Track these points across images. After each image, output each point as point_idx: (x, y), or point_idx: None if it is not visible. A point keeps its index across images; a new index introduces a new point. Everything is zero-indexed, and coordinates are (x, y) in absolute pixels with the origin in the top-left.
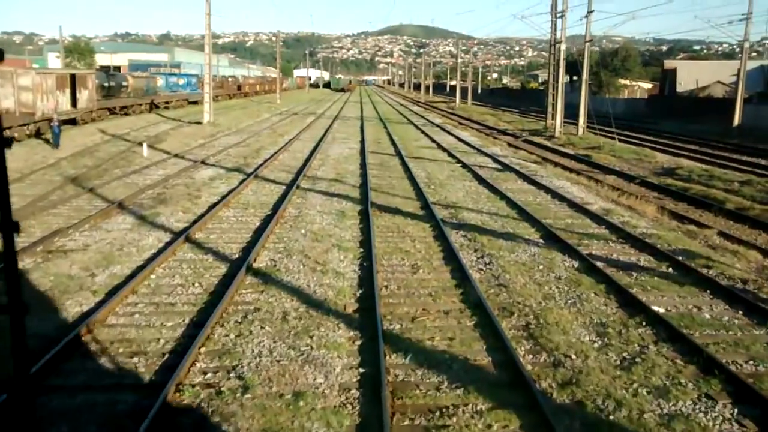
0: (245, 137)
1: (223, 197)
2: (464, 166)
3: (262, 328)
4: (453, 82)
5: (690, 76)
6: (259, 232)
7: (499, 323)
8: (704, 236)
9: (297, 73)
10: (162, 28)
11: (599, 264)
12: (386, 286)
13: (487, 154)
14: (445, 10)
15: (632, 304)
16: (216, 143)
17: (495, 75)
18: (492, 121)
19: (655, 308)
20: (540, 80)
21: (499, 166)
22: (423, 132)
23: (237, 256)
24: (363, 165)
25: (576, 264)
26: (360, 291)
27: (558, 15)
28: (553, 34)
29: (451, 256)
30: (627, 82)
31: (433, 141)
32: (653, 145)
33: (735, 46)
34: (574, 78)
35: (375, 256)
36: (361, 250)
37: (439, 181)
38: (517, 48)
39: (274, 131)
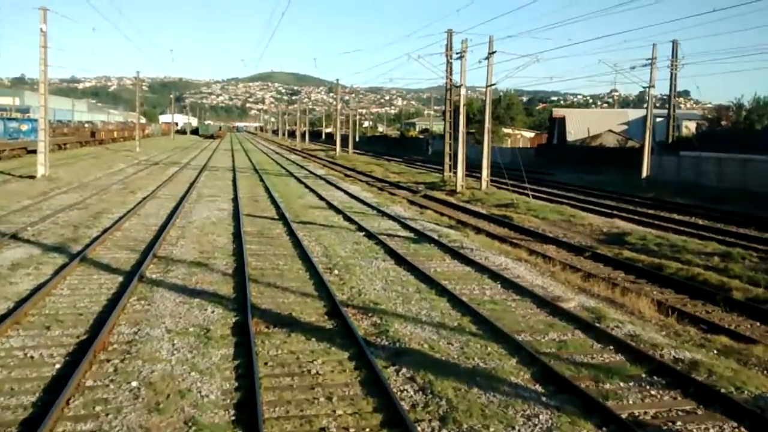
0: (87, 195)
1: (17, 305)
2: (369, 235)
3: None
4: (328, 130)
5: (580, 125)
6: (51, 391)
7: None
8: (756, 358)
9: (163, 118)
10: (16, 72)
11: None
12: None
13: (389, 216)
14: (317, 57)
15: None
16: (45, 205)
17: (367, 123)
18: (380, 173)
19: None
20: (417, 128)
21: (412, 234)
22: (307, 186)
23: None
24: (237, 235)
25: None
26: None
27: (457, 56)
28: (449, 76)
29: None
30: (510, 130)
31: (321, 198)
32: (570, 202)
33: (588, 98)
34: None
35: None
36: None
37: (342, 260)
38: (387, 97)
39: (126, 187)
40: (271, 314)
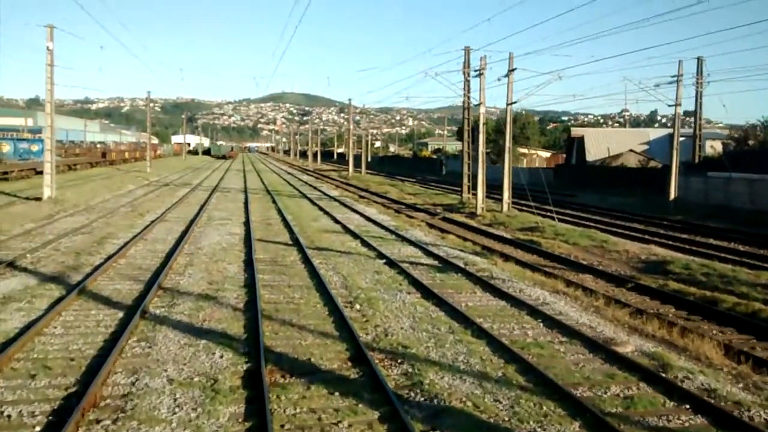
0: (93, 218)
1: (1, 347)
2: (390, 263)
3: None
4: (340, 150)
5: (599, 145)
6: None
7: None
8: None
9: (175, 139)
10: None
11: None
12: None
13: (409, 241)
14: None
15: None
16: (49, 229)
17: (378, 143)
18: (395, 194)
19: None
20: (430, 148)
21: (436, 262)
22: (321, 208)
23: None
24: (249, 263)
25: None
26: None
27: (475, 73)
28: (467, 94)
29: None
30: (526, 150)
31: (337, 221)
32: (598, 226)
33: (599, 117)
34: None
35: None
36: None
37: (363, 292)
38: (398, 117)
39: (134, 209)
40: (287, 359)
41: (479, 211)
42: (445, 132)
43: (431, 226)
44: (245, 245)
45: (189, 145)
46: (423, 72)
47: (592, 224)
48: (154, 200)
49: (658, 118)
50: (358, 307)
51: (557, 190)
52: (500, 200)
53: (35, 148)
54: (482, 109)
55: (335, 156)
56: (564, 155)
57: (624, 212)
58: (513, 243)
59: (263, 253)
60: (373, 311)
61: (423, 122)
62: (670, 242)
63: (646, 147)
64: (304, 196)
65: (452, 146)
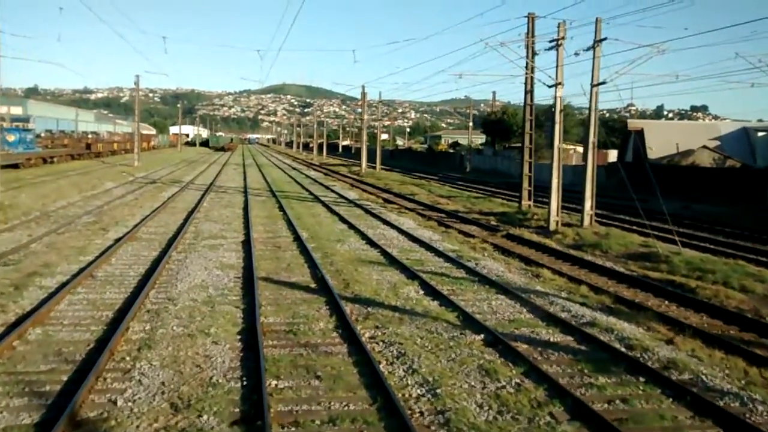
0: (38, 234)
1: None
2: (491, 340)
3: None
4: (345, 142)
5: (663, 140)
6: None
7: None
8: None
9: (173, 130)
10: (30, 82)
11: None
12: None
13: (490, 282)
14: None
15: None
16: None
17: (386, 135)
18: (425, 197)
19: None
20: (443, 141)
21: (571, 339)
22: (341, 218)
23: None
24: (249, 342)
25: None
26: None
27: (554, 44)
28: (529, 72)
29: None
30: (564, 145)
31: (369, 241)
32: (741, 253)
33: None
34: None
35: None
36: None
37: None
38: (400, 110)
39: (98, 219)
40: None
41: (553, 226)
42: (470, 124)
43: (504, 251)
44: (243, 292)
45: (187, 136)
46: (483, 42)
47: (724, 249)
48: (130, 205)
49: (665, 113)
50: None
51: (614, 193)
52: (576, 210)
53: (12, 138)
54: (559, 92)
55: (340, 149)
56: (609, 151)
57: (740, 228)
58: (643, 285)
59: (273, 312)
60: None
61: (425, 115)
62: None
63: (717, 143)
64: (317, 199)
65: (465, 140)
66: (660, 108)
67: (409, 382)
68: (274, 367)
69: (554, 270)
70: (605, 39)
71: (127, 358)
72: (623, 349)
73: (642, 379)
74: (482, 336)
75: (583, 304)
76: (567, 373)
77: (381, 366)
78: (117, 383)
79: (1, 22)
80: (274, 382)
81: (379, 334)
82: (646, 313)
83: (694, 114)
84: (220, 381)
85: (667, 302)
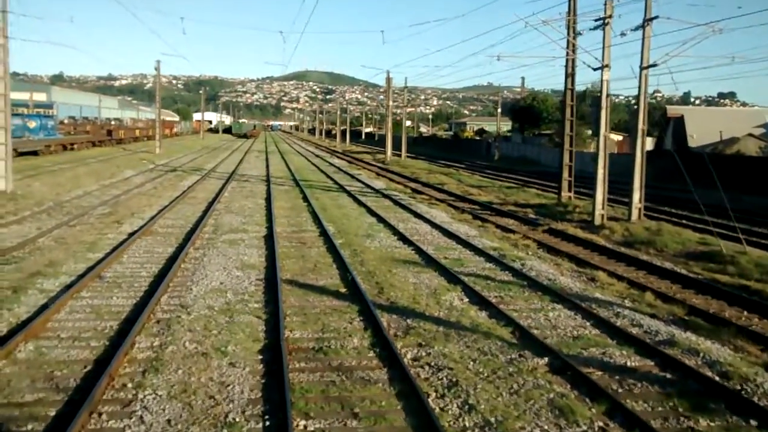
0: (48, 227)
1: None
2: (560, 365)
3: None
4: (368, 129)
5: (705, 127)
6: None
7: None
8: None
9: (197, 116)
10: (56, 69)
11: None
12: None
13: (540, 287)
14: (351, 54)
15: None
16: None
17: (409, 122)
18: (455, 186)
19: None
20: (468, 128)
21: (635, 358)
22: (369, 209)
23: None
24: (274, 351)
25: None
26: None
27: (600, 23)
28: (570, 53)
29: None
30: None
31: (401, 236)
32: None
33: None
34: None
35: None
36: None
37: None
38: (423, 97)
39: (113, 211)
40: None
41: (599, 220)
42: (499, 110)
43: (546, 247)
44: (266, 298)
45: (210, 122)
46: (523, 20)
47: None
48: (148, 194)
49: (692, 100)
50: None
51: (653, 183)
52: (616, 202)
53: (32, 124)
54: (606, 75)
55: (363, 136)
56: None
57: None
58: (713, 291)
59: (300, 325)
60: None
61: (448, 102)
62: None
63: (762, 131)
64: (342, 188)
65: (492, 126)
66: (687, 95)
67: (467, 423)
68: (302, 400)
69: (610, 272)
70: (656, 17)
71: (129, 386)
72: (717, 378)
73: (753, 423)
74: (546, 359)
75: (653, 316)
76: (659, 413)
77: (430, 400)
78: (114, 420)
79: (8, 4)
80: (302, 423)
81: (424, 354)
82: (728, 329)
83: (722, 101)
84: (237, 420)
85: (746, 312)
